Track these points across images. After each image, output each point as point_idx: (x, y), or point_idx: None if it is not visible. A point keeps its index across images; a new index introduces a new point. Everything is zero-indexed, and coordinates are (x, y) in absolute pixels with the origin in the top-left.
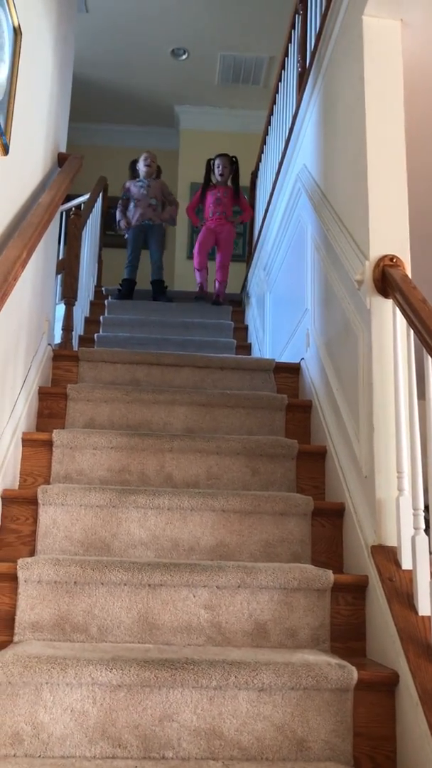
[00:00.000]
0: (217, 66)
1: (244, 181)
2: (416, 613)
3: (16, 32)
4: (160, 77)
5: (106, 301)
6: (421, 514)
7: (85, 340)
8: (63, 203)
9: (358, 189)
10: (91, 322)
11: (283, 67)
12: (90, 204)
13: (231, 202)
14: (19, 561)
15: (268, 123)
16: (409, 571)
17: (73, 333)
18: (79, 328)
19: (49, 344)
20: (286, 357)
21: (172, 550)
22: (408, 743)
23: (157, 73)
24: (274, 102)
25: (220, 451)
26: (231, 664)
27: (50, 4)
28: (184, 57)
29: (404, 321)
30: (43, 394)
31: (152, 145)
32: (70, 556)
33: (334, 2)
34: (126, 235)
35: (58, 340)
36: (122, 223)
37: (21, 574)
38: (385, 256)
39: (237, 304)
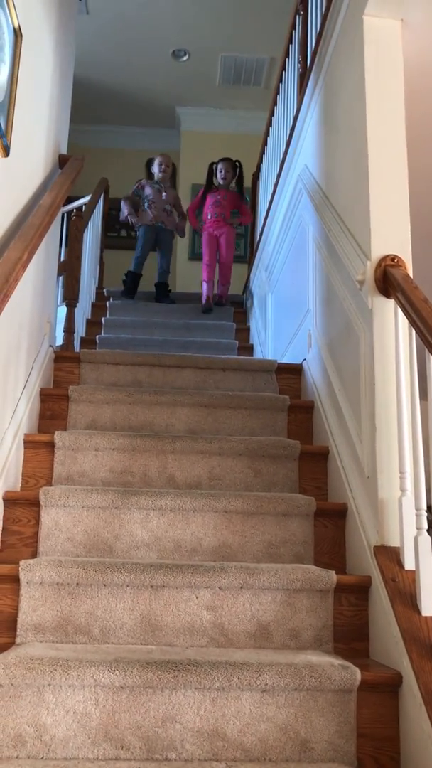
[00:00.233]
0: (218, 67)
1: (246, 182)
2: (419, 613)
3: (17, 34)
4: (161, 78)
5: (107, 303)
6: (424, 515)
7: (87, 342)
8: (64, 205)
9: (360, 189)
10: (92, 324)
11: (283, 67)
12: (91, 205)
13: (230, 206)
14: (21, 563)
15: (269, 124)
16: (412, 572)
17: (75, 334)
18: (80, 330)
19: (51, 346)
20: (288, 358)
21: (174, 551)
22: (412, 744)
23: (158, 74)
24: (275, 103)
25: (222, 452)
26: (234, 665)
27: (50, 5)
28: (185, 58)
29: (406, 321)
30: (44, 396)
31: (153, 146)
32: (73, 558)
33: (334, 2)
34: (135, 231)
35: (59, 341)
36: (129, 218)
37: (23, 576)
38: (386, 256)
39: (239, 305)
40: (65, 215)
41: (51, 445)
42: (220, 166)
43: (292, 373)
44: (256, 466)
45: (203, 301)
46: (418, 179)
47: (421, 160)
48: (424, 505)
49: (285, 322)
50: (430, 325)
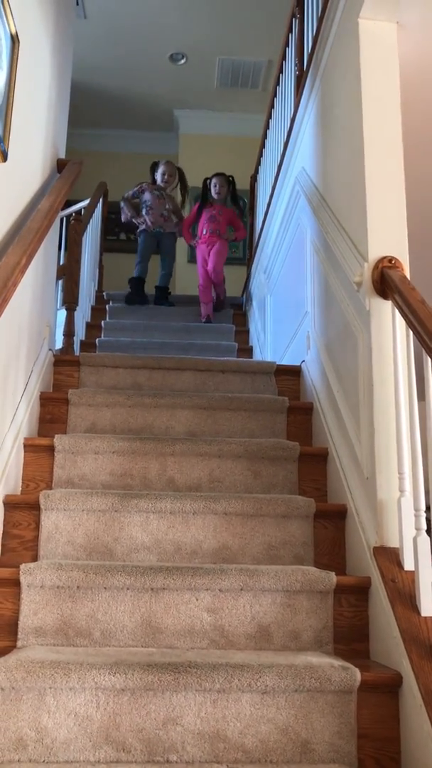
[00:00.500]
0: (216, 70)
1: (243, 184)
2: (419, 614)
3: (14, 39)
4: (158, 82)
5: (107, 306)
6: (423, 515)
7: (87, 345)
8: (63, 209)
9: (356, 191)
10: (92, 327)
11: (281, 70)
12: (90, 209)
13: (226, 221)
14: (22, 566)
15: (267, 126)
16: (412, 572)
17: (75, 338)
18: (80, 333)
19: (50, 349)
20: (287, 359)
21: (174, 553)
22: (412, 744)
23: (155, 78)
24: (272, 105)
25: (221, 454)
26: (234, 666)
27: (47, 11)
28: (182, 62)
29: (403, 322)
30: (44, 400)
31: (152, 149)
32: (73, 561)
33: (330, 5)
34: (136, 235)
35: (59, 345)
36: (134, 220)
37: (24, 580)
38: (383, 258)
39: (238, 307)
40: (64, 219)
41: (51, 449)
42: (214, 181)
43: (291, 374)
44: (256, 468)
45: (203, 319)
46: (415, 181)
47: (417, 160)
48: (422, 506)
49: (284, 323)
50: (427, 326)
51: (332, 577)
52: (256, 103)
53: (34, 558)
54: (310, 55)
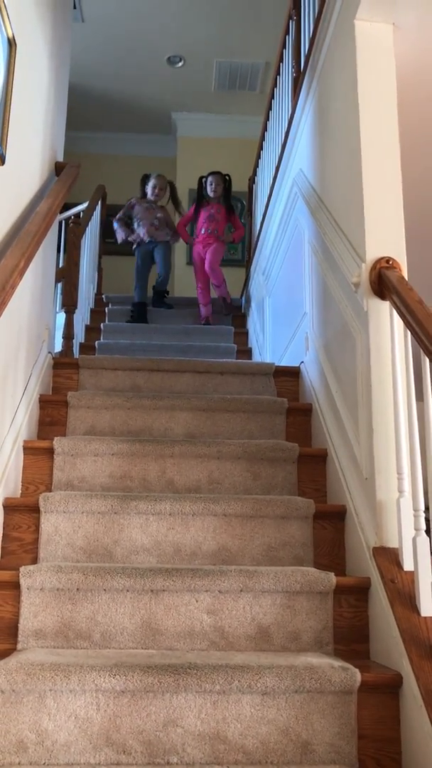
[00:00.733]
0: (213, 73)
1: (242, 186)
2: (418, 614)
3: (11, 43)
4: (156, 85)
5: (106, 309)
6: (422, 515)
7: (86, 348)
8: (61, 212)
9: (353, 192)
10: (91, 330)
11: (278, 72)
12: (89, 212)
13: (225, 220)
14: (22, 569)
15: (265, 128)
16: (411, 573)
17: (74, 341)
18: (79, 336)
19: (50, 352)
20: (286, 361)
21: (174, 555)
22: (413, 745)
23: (153, 80)
24: (270, 107)
25: (221, 455)
26: (234, 668)
27: (45, 15)
28: (180, 64)
29: (401, 322)
30: (43, 402)
31: (150, 152)
32: (73, 563)
33: (326, 7)
34: (134, 252)
35: (59, 348)
36: (130, 238)
37: (24, 582)
38: (381, 259)
39: (237, 308)
40: (63, 222)
41: (50, 451)
42: (210, 179)
43: (290, 375)
44: (255, 470)
45: (202, 321)
46: (412, 180)
47: (415, 161)
48: (422, 506)
49: (283, 325)
50: (425, 326)
51: (332, 578)
52: (253, 106)
53: (34, 560)
54: (307, 57)
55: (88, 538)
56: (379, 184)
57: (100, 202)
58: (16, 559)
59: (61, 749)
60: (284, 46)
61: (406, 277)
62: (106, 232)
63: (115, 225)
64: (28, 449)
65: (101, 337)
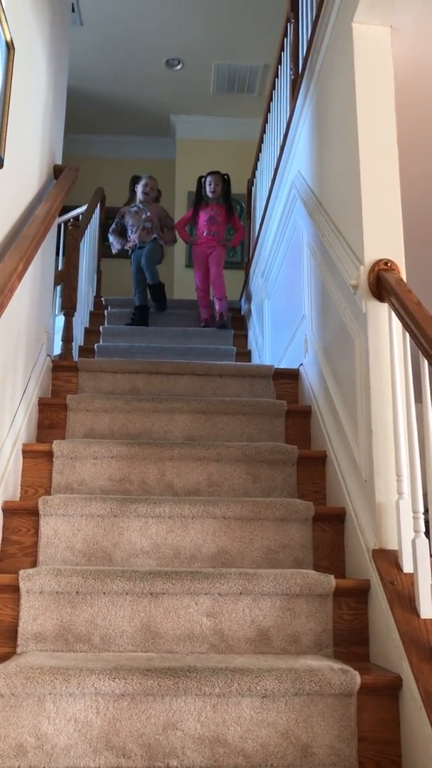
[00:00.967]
0: (212, 75)
1: (241, 188)
2: (418, 616)
3: (9, 47)
4: (155, 87)
5: (105, 311)
6: (421, 517)
7: (86, 351)
8: (60, 214)
9: (352, 194)
10: (90, 333)
11: (276, 74)
12: (88, 215)
13: (225, 222)
14: (21, 572)
15: (263, 131)
16: (411, 575)
17: (73, 344)
18: (78, 339)
19: (48, 355)
20: (285, 363)
21: (173, 558)
22: (413, 747)
23: (152, 83)
24: (268, 110)
25: (220, 458)
26: (234, 671)
27: (43, 18)
28: (178, 67)
29: (400, 324)
30: (42, 405)
31: (148, 155)
32: (72, 567)
33: (324, 10)
34: (130, 254)
35: (58, 351)
36: (119, 246)
37: (23, 585)
38: (379, 261)
39: (236, 311)
40: (62, 225)
41: (49, 455)
42: (209, 179)
43: (290, 378)
44: (255, 472)
45: (201, 324)
46: (410, 183)
47: (413, 164)
48: (421, 508)
49: (282, 327)
50: (424, 328)
51: (331, 580)
52: (252, 108)
53: (34, 564)
54: (305, 59)
55: (88, 541)
56: (377, 186)
57: (99, 205)
58: (16, 562)
59: (61, 753)
60: (282, 49)
61: (404, 279)
62: (105, 235)
63: (111, 238)
64: (28, 452)
65: (100, 340)
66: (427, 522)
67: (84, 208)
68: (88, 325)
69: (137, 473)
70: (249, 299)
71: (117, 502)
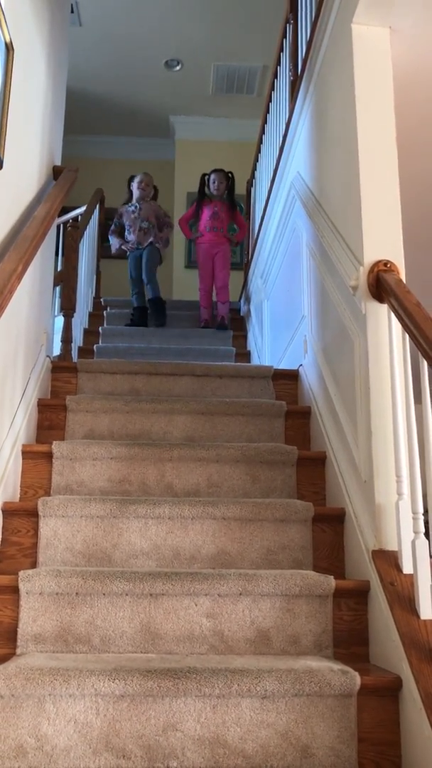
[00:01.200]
0: (211, 76)
1: (240, 189)
2: (418, 617)
3: (8, 48)
4: (154, 88)
5: (104, 312)
6: (421, 518)
7: (85, 351)
8: (59, 215)
9: (351, 195)
10: (90, 333)
11: (275, 75)
12: (87, 216)
13: (227, 218)
14: (21, 573)
15: (262, 131)
16: (410, 575)
17: (73, 344)
18: (78, 340)
19: (48, 356)
20: (284, 364)
21: (173, 559)
22: (413, 748)
23: (151, 84)
24: (267, 110)
25: (220, 459)
26: (234, 672)
27: (42, 19)
28: (177, 68)
29: (399, 325)
30: (42, 406)
31: (148, 155)
32: (72, 568)
33: (323, 11)
34: (127, 255)
35: (57, 352)
36: (123, 247)
37: (23, 586)
38: (379, 262)
39: (236, 311)
40: (61, 226)
41: (49, 456)
42: (213, 176)
43: (289, 379)
44: (254, 473)
45: (201, 324)
46: (409, 184)
47: (412, 165)
48: (420, 509)
49: (281, 328)
50: (423, 329)
51: (331, 581)
52: (251, 109)
53: (33, 565)
54: (305, 60)
55: (87, 542)
56: (376, 186)
57: (98, 206)
58: (15, 563)
59: (61, 754)
60: (281, 50)
61: (404, 280)
62: (105, 235)
63: (111, 239)
64: (27, 453)
65: (100, 341)
66: (426, 523)
67: (83, 209)
68: (87, 326)
69: (137, 474)
70: (248, 300)
71: (116, 503)
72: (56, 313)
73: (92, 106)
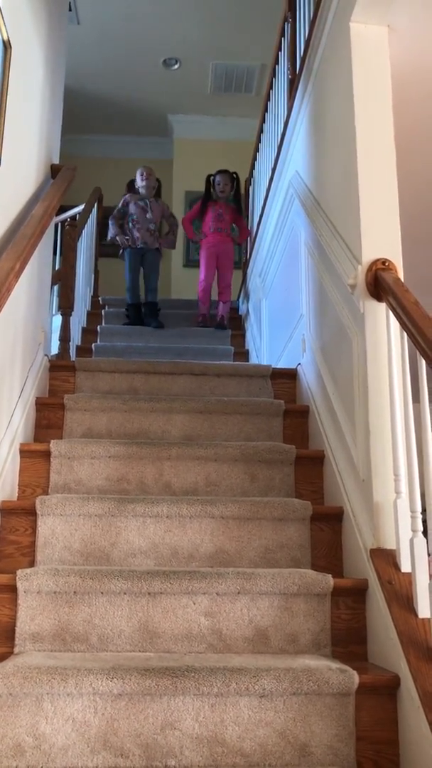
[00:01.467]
0: (210, 75)
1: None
2: (416, 615)
3: (6, 46)
4: (152, 87)
5: (103, 311)
6: (419, 517)
7: (83, 350)
8: (57, 214)
9: (349, 194)
10: (88, 332)
11: (274, 74)
12: (85, 214)
13: (231, 219)
14: (19, 572)
15: (261, 130)
16: (408, 574)
17: (71, 343)
18: (76, 339)
19: (46, 355)
20: (283, 363)
21: (171, 557)
22: (411, 746)
23: (149, 83)
24: (266, 109)
25: (218, 458)
26: (232, 670)
27: (40, 17)
28: (176, 67)
29: (397, 324)
30: (40, 405)
31: (146, 154)
32: (70, 566)
33: (321, 9)
34: (121, 255)
35: (55, 350)
36: (118, 239)
37: (20, 585)
38: (377, 260)
39: (234, 311)
40: (59, 224)
41: (47, 454)
42: (218, 179)
43: (287, 378)
44: (253, 472)
45: (199, 319)
46: (407, 184)
47: (410, 162)
48: (419, 508)
49: (279, 327)
50: (421, 327)
51: (329, 580)
52: (250, 108)
53: (31, 563)
54: (303, 59)
55: (85, 541)
56: (374, 185)
57: (96, 205)
58: (13, 562)
59: (59, 753)
60: (280, 49)
61: (402, 279)
62: (103, 234)
63: (110, 223)
64: (25, 452)
65: (98, 340)
66: (424, 521)
67: (81, 207)
68: (85, 325)
69: (135, 473)
70: (247, 299)
71: (115, 502)
72: (54, 312)
73: (90, 104)
